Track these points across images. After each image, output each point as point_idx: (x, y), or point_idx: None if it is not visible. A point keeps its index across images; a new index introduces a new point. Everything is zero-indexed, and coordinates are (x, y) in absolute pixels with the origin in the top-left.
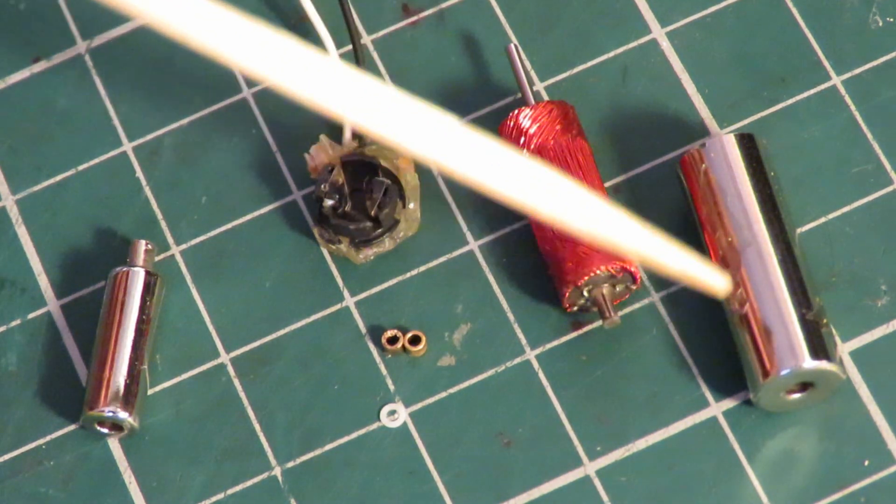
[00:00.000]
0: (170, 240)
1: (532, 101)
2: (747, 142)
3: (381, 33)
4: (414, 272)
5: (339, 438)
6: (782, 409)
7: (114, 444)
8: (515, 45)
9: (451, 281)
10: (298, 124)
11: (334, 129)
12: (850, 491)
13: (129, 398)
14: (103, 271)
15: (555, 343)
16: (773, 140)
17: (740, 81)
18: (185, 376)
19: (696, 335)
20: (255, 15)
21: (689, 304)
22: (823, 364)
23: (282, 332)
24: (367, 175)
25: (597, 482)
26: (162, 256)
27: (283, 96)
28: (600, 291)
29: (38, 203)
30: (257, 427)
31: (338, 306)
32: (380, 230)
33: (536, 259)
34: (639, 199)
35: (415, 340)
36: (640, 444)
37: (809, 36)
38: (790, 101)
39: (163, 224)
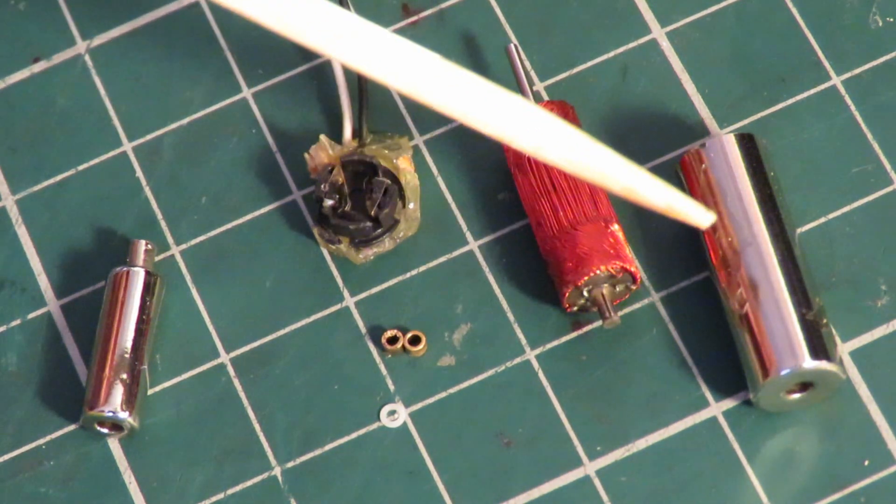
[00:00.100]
0: (170, 240)
1: (532, 101)
2: (747, 142)
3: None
4: (414, 272)
5: (339, 438)
6: (782, 409)
7: (114, 444)
8: (515, 45)
9: (451, 281)
10: (298, 124)
11: (334, 129)
12: (850, 491)
13: (129, 398)
14: (103, 271)
15: (555, 343)
16: (773, 140)
17: (740, 81)
18: (185, 376)
19: (696, 335)
20: None
21: (689, 304)
22: (823, 364)
23: (282, 332)
24: (367, 175)
25: (597, 482)
26: (162, 256)
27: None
28: (600, 291)
29: (38, 203)
30: (257, 427)
31: (338, 306)
32: (380, 230)
33: (536, 259)
34: None
35: (415, 340)
36: (640, 444)
37: (809, 36)
38: (790, 101)
39: (163, 224)
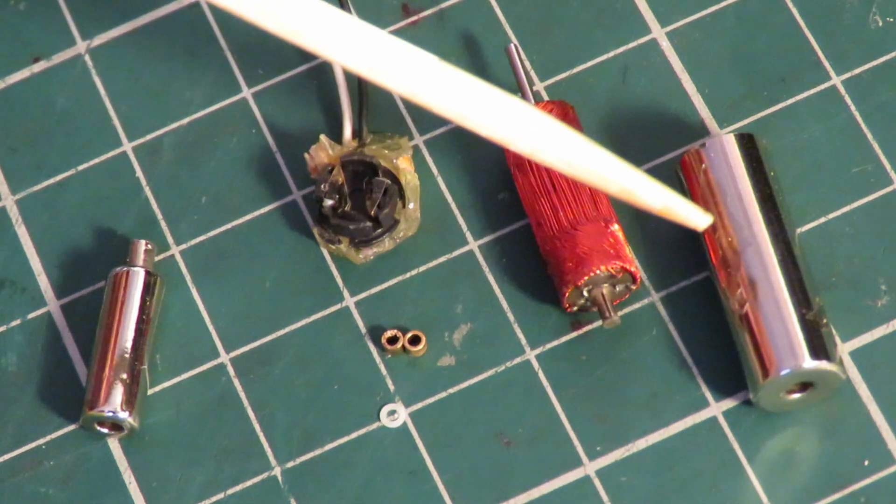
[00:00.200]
0: (170, 240)
1: (532, 101)
2: (747, 142)
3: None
4: (414, 272)
5: (339, 438)
6: (782, 409)
7: (114, 444)
8: (515, 45)
9: (451, 281)
10: (298, 124)
11: (334, 129)
12: (850, 491)
13: (129, 398)
14: (103, 271)
15: (555, 343)
16: (773, 140)
17: (740, 81)
18: (185, 376)
19: (696, 335)
20: None
21: (689, 304)
22: (823, 364)
23: (282, 332)
24: (367, 175)
25: (597, 482)
26: (162, 256)
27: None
28: (600, 291)
29: (38, 203)
30: (257, 427)
31: (338, 306)
32: (380, 230)
33: (536, 259)
34: None
35: (415, 340)
36: (640, 444)
37: (809, 36)
38: (790, 101)
39: (163, 224)
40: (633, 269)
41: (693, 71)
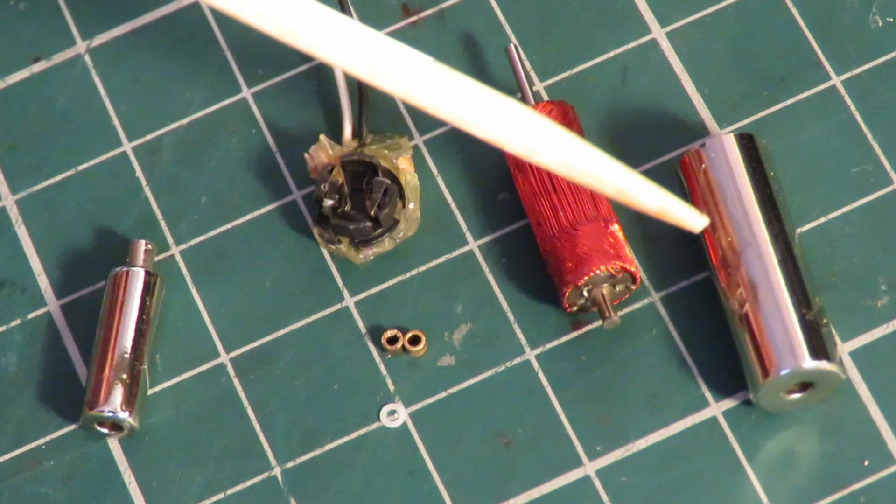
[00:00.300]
0: (170, 240)
1: (532, 101)
2: (747, 142)
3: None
4: (414, 272)
5: (339, 438)
6: (782, 409)
7: (114, 444)
8: (515, 45)
9: (451, 281)
10: (298, 124)
11: (334, 129)
12: (850, 491)
13: (129, 398)
14: (103, 271)
15: (555, 343)
16: (773, 140)
17: (740, 81)
18: (185, 376)
19: (696, 335)
20: None
21: (689, 304)
22: (823, 364)
23: (282, 332)
24: (367, 175)
25: (597, 482)
26: (162, 256)
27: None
28: (600, 291)
29: (38, 203)
30: (257, 427)
31: (338, 306)
32: (380, 230)
33: (536, 259)
34: None
35: (415, 340)
36: (640, 444)
37: (809, 36)
38: (790, 101)
39: (163, 224)
40: (633, 269)
41: (693, 71)
